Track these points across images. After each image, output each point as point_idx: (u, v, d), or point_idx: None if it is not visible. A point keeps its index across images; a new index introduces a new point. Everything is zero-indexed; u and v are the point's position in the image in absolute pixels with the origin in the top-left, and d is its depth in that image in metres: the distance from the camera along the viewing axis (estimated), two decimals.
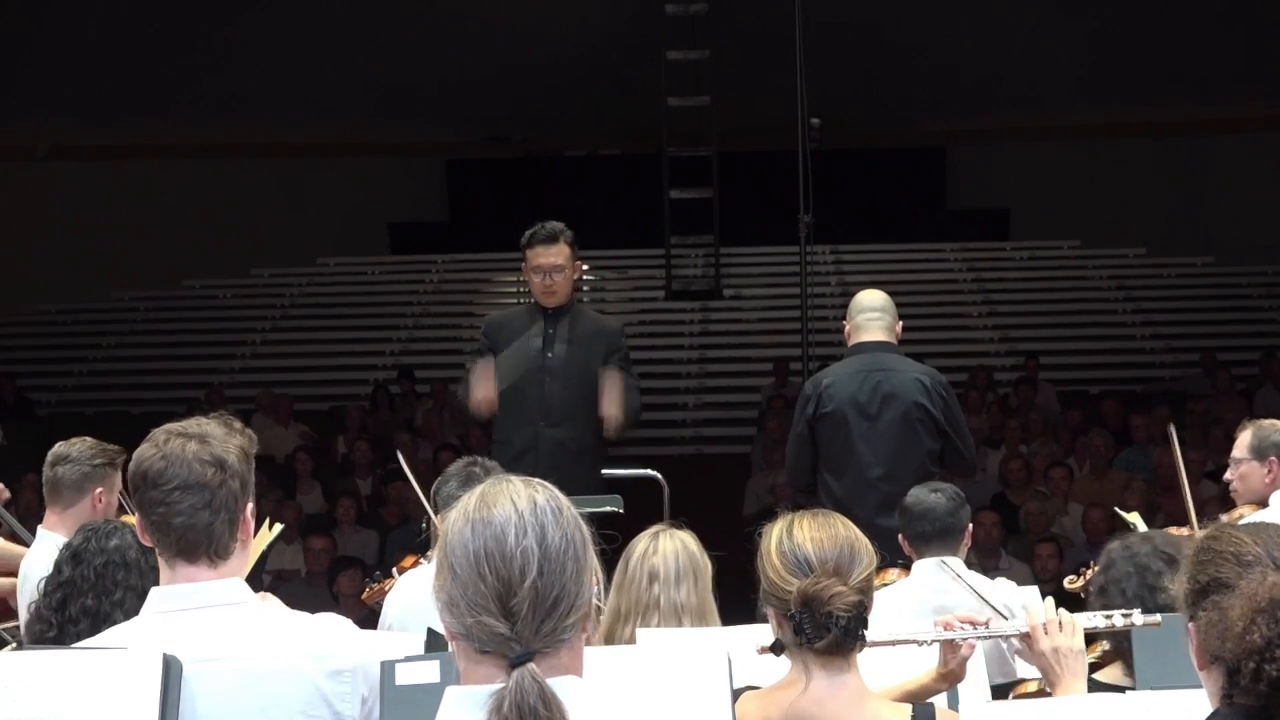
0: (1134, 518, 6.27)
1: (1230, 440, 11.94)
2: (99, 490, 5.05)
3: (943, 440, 6.46)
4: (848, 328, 6.63)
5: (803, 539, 3.12)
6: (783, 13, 9.44)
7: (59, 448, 5.21)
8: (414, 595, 5.00)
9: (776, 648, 3.17)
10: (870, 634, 3.16)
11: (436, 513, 5.07)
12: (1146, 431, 12.31)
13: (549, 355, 6.75)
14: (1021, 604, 5.10)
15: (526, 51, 17.80)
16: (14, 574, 5.43)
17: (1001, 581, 5.32)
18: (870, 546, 3.18)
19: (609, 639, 4.14)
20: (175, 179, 18.97)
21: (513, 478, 2.26)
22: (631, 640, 4.07)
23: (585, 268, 6.97)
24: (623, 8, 17.17)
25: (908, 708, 3.16)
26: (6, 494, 6.22)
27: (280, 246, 18.56)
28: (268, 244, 18.60)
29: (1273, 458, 5.79)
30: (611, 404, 6.67)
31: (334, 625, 3.08)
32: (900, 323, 6.65)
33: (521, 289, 18.59)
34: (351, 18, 17.70)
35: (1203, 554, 2.47)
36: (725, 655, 3.23)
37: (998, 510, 10.52)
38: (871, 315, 6.56)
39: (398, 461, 12.08)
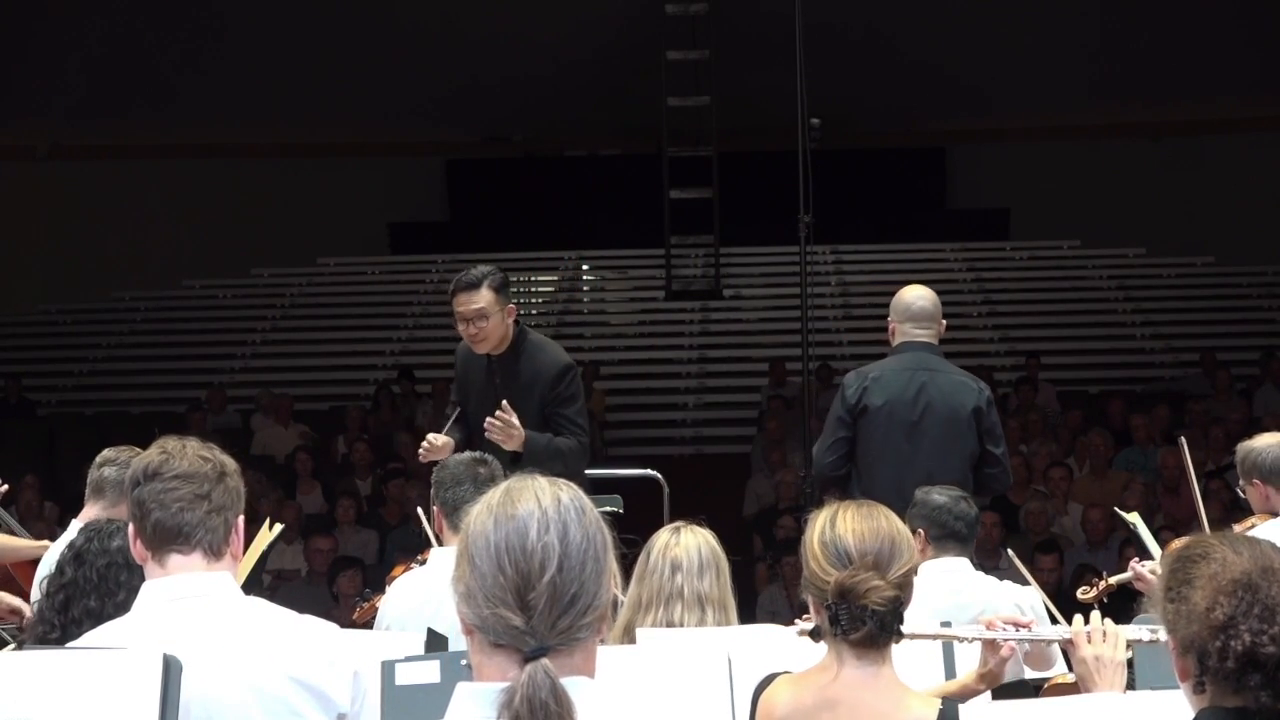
0: (1134, 518, 6.27)
1: (1229, 440, 11.98)
2: None
3: (981, 448, 6.40)
4: (892, 325, 6.59)
5: (844, 530, 3.15)
6: (782, 13, 9.42)
7: (108, 451, 5.30)
8: (408, 600, 5.01)
9: (815, 634, 3.20)
10: (912, 627, 3.20)
11: (446, 514, 5.09)
12: (1146, 431, 12.31)
13: (489, 404, 6.35)
14: (1029, 604, 5.13)
15: (526, 51, 17.79)
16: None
17: (1007, 584, 5.32)
18: (911, 541, 3.22)
19: (628, 629, 4.15)
20: (175, 179, 18.96)
21: (538, 476, 2.28)
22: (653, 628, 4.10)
23: (516, 310, 6.46)
24: (623, 8, 17.16)
25: (936, 702, 3.18)
26: (5, 487, 6.24)
27: (280, 246, 18.56)
28: (268, 244, 18.59)
29: (1256, 479, 5.82)
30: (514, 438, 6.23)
31: (323, 624, 3.16)
32: (944, 323, 6.63)
33: (522, 289, 18.64)
34: (352, 18, 17.69)
35: (1175, 564, 2.49)
36: (725, 655, 3.23)
37: (998, 510, 10.52)
38: (920, 316, 6.51)
39: (398, 461, 12.17)
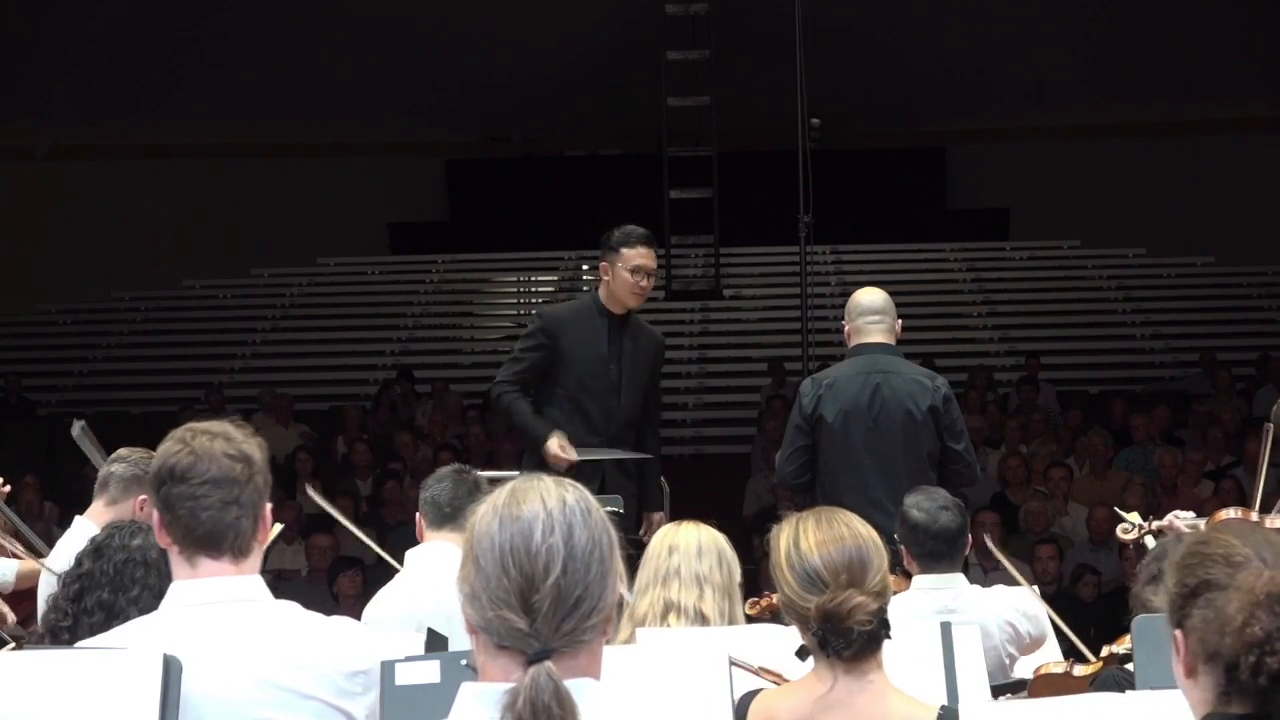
0: (1134, 518, 6.26)
1: (1228, 440, 11.95)
2: (143, 498, 5.07)
3: (941, 444, 6.38)
4: (847, 328, 6.55)
5: (809, 549, 3.11)
6: (783, 13, 9.43)
7: (122, 450, 5.36)
8: (390, 610, 5.03)
9: (802, 654, 3.19)
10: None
11: (423, 510, 5.16)
12: (1146, 431, 12.31)
13: (614, 368, 6.61)
14: (1026, 609, 5.09)
15: (526, 51, 17.79)
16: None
17: (998, 589, 5.28)
18: (880, 543, 3.17)
19: (631, 616, 4.20)
20: (175, 179, 18.96)
21: (544, 476, 2.27)
22: (651, 614, 4.14)
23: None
24: (623, 8, 17.16)
25: (934, 707, 3.18)
26: (7, 488, 6.25)
27: (280, 246, 18.55)
28: (268, 244, 18.59)
29: None
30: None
31: (350, 627, 3.14)
32: (900, 321, 6.59)
33: (522, 289, 18.65)
34: (352, 18, 17.69)
35: (1191, 558, 2.44)
36: (725, 655, 3.23)
37: (997, 510, 10.52)
38: (872, 317, 6.46)
39: (398, 461, 12.17)
